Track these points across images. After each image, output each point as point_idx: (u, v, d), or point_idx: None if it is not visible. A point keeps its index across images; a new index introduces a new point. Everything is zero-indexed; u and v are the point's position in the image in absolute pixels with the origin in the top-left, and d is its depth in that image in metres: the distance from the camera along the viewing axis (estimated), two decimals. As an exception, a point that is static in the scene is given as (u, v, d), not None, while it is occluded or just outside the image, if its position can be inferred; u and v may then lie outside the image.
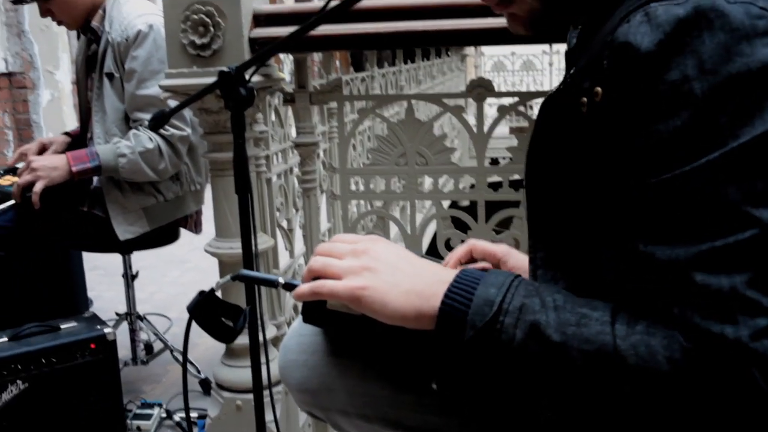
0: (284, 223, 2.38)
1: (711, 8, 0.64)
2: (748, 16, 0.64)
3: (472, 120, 1.88)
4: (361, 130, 3.50)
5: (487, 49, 10.83)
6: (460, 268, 0.82)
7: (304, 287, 0.82)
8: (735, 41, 0.63)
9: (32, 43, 5.28)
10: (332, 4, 1.36)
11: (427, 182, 2.02)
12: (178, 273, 4.24)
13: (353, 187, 2.02)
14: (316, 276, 0.82)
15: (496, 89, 1.98)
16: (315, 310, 0.83)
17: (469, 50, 9.65)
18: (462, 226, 1.94)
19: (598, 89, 0.70)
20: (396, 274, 0.79)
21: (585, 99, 0.71)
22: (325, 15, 1.36)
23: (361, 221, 2.40)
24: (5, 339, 1.95)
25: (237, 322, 0.98)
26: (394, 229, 2.18)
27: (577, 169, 0.74)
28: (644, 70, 0.65)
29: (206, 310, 0.94)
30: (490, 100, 1.94)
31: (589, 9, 0.82)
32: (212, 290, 0.93)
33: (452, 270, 0.80)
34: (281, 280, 0.88)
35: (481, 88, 1.83)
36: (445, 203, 3.62)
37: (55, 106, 5.50)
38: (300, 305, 0.89)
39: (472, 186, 1.89)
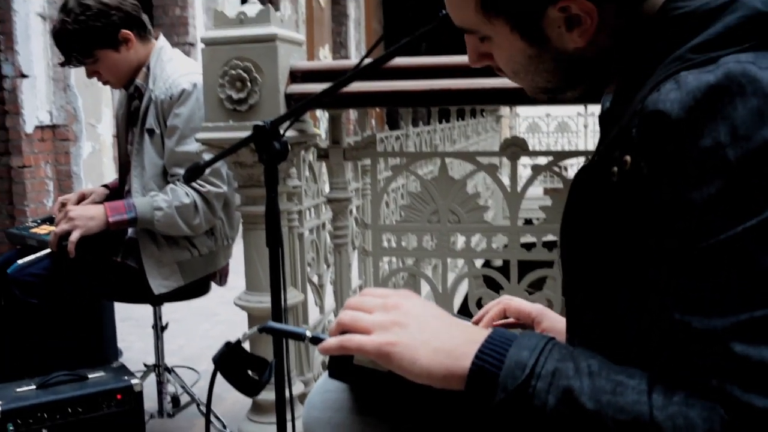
0: (315, 279, 2.37)
1: (742, 74, 0.64)
2: None
3: (506, 180, 1.87)
4: (394, 187, 3.51)
5: (522, 110, 10.90)
6: (492, 328, 0.80)
7: (331, 341, 0.80)
8: None
9: (77, 97, 5.44)
10: (366, 61, 1.38)
11: (460, 240, 2.01)
12: (208, 326, 4.24)
13: (385, 244, 2.02)
14: (344, 330, 0.80)
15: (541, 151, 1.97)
16: (342, 365, 0.81)
17: (504, 111, 9.71)
18: (494, 286, 1.91)
19: (627, 158, 0.69)
20: (426, 331, 0.77)
21: (615, 168, 0.71)
22: (359, 72, 1.38)
23: (393, 278, 2.38)
24: (33, 387, 1.95)
25: (262, 375, 0.97)
26: (425, 287, 2.16)
27: (610, 239, 0.73)
28: (675, 137, 0.64)
29: (232, 362, 0.92)
30: (524, 161, 1.94)
31: (599, 80, 0.84)
32: (238, 341, 0.91)
33: (484, 330, 0.78)
34: (308, 333, 0.86)
35: (515, 147, 1.83)
36: (479, 262, 3.60)
37: (96, 159, 5.63)
38: (327, 360, 0.88)
39: (506, 246, 1.87)
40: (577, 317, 0.81)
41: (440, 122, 5.20)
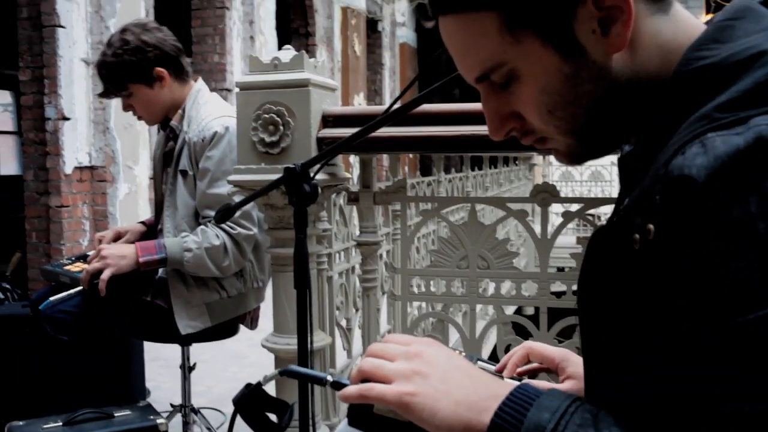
0: (343, 322, 2.36)
1: None
2: None
3: (537, 227, 1.86)
4: (425, 233, 3.51)
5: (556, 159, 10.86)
6: (516, 383, 0.78)
7: (351, 389, 0.78)
8: None
9: (115, 140, 5.56)
10: (394, 107, 1.39)
11: (491, 287, 1.99)
12: (236, 368, 4.24)
13: (414, 289, 2.01)
14: (365, 377, 0.79)
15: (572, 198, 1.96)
16: (362, 414, 0.80)
17: (537, 159, 9.70)
18: (524, 333, 1.89)
19: (651, 227, 0.64)
20: (448, 382, 0.75)
21: (637, 236, 0.66)
22: (388, 117, 1.39)
23: (422, 324, 2.37)
24: (60, 423, 1.96)
25: (282, 418, 0.96)
26: (455, 334, 2.14)
27: (629, 304, 0.69)
28: (702, 206, 0.60)
29: (252, 404, 0.92)
30: (558, 208, 1.93)
31: (626, 140, 0.80)
32: (259, 384, 0.91)
33: (507, 384, 0.76)
34: (330, 377, 0.85)
35: (545, 193, 1.82)
36: (510, 309, 3.55)
37: (131, 200, 5.73)
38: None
39: (536, 293, 1.85)
40: (595, 376, 0.78)
41: (472, 169, 5.21)
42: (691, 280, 0.61)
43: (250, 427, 0.95)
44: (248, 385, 0.92)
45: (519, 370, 1.12)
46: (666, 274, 0.63)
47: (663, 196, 0.63)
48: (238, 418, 0.95)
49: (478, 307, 2.00)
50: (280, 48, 2.07)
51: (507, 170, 7.20)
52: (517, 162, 8.00)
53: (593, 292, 0.76)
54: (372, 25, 12.89)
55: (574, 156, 0.82)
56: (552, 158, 11.03)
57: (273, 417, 0.97)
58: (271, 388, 1.54)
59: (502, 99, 0.80)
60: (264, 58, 1.95)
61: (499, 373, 1.12)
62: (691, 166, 0.61)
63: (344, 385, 0.81)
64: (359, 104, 11.37)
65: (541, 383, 1.04)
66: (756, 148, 0.59)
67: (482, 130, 1.72)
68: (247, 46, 7.95)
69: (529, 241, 5.43)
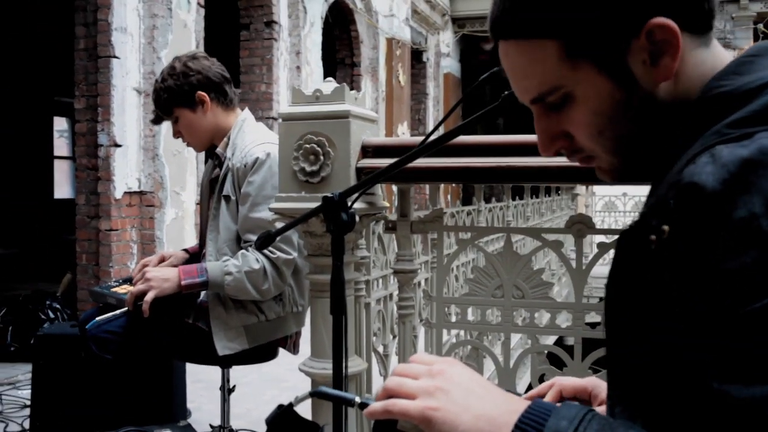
0: (381, 348, 2.39)
1: None
2: None
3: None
4: (465, 261, 3.53)
5: (599, 189, 10.80)
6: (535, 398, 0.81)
7: (376, 405, 0.82)
8: None
9: (164, 166, 5.71)
10: (431, 138, 1.43)
11: (527, 315, 2.01)
12: (276, 391, 4.28)
13: (453, 317, 2.03)
14: (390, 395, 0.83)
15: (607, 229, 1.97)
16: (386, 430, 0.83)
17: (580, 189, 9.64)
18: (558, 363, 1.89)
19: (665, 227, 0.70)
20: (469, 398, 0.79)
21: (654, 236, 0.72)
22: (424, 149, 1.43)
23: (459, 350, 2.38)
24: (103, 442, 2.02)
25: (312, 438, 0.99)
26: (490, 363, 2.15)
27: (650, 306, 0.73)
28: (711, 208, 0.66)
29: (284, 424, 0.95)
30: (599, 238, 1.94)
31: (663, 155, 0.84)
32: (290, 405, 0.95)
33: (525, 400, 0.79)
34: (357, 399, 0.89)
35: (581, 224, 1.83)
36: (551, 339, 3.52)
37: (178, 225, 5.86)
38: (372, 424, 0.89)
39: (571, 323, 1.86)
40: (618, 383, 0.81)
41: (513, 199, 5.22)
42: (703, 275, 0.66)
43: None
44: (280, 406, 0.96)
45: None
46: (680, 270, 0.69)
47: (676, 201, 0.69)
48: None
49: (517, 336, 2.01)
50: (325, 77, 2.13)
51: (549, 200, 7.17)
52: (559, 192, 7.97)
53: (617, 293, 0.80)
54: (417, 56, 13.03)
55: (616, 173, 0.89)
56: (595, 188, 10.95)
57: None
58: (307, 411, 1.58)
59: (553, 119, 0.87)
60: (309, 87, 2.02)
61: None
62: (701, 173, 0.68)
63: None
64: (402, 133, 11.45)
65: None
66: (758, 157, 0.66)
67: (518, 161, 1.75)
68: (294, 75, 8.11)
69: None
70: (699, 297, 0.67)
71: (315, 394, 0.92)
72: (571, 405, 0.75)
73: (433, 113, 13.45)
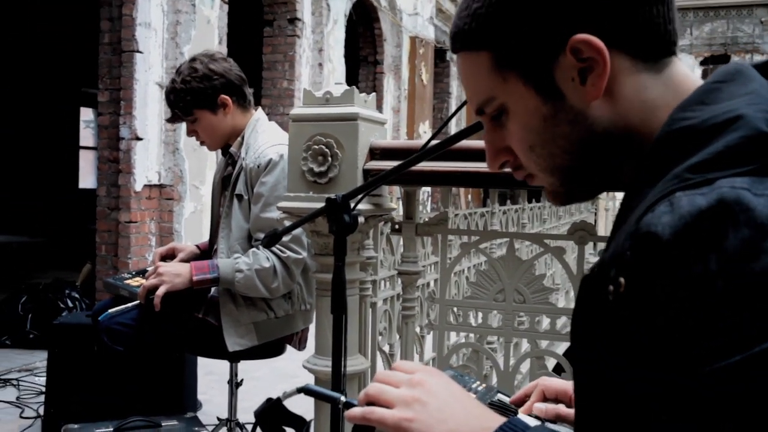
0: (386, 348, 2.42)
1: (736, 201, 0.62)
2: None
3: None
4: (476, 263, 3.54)
5: (619, 193, 10.71)
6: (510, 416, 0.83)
7: (355, 410, 0.85)
8: (760, 238, 0.60)
9: (184, 160, 5.79)
10: (432, 143, 1.46)
11: (545, 322, 2.02)
12: (285, 386, 4.28)
13: (452, 319, 2.06)
14: (370, 401, 0.85)
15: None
16: None
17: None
18: (559, 368, 1.91)
19: (622, 280, 0.67)
20: (445, 411, 0.81)
21: (611, 287, 0.69)
22: (427, 152, 1.46)
23: (462, 351, 2.40)
24: (110, 429, 2.08)
25: (299, 433, 1.03)
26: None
27: (608, 353, 0.71)
28: (666, 261, 0.63)
29: (272, 418, 0.99)
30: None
31: (609, 187, 0.84)
32: (278, 399, 0.98)
33: (500, 418, 0.81)
34: (343, 398, 0.92)
35: (582, 231, 1.85)
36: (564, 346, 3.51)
37: (196, 218, 5.93)
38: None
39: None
40: (584, 419, 0.80)
41: (529, 201, 5.21)
42: (657, 332, 0.64)
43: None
44: (269, 400, 1.00)
45: (537, 406, 1.15)
46: (635, 325, 0.66)
47: (632, 251, 0.66)
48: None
49: (526, 344, 2.03)
50: (348, 75, 2.16)
51: (568, 203, 7.13)
52: (579, 196, 7.92)
53: (581, 334, 0.79)
54: (440, 55, 13.04)
55: (558, 195, 0.88)
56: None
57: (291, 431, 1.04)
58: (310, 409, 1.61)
59: (498, 133, 0.87)
60: (331, 84, 2.05)
61: (515, 405, 1.17)
62: (657, 224, 0.64)
63: (355, 407, 0.88)
64: (424, 132, 11.46)
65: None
66: (717, 209, 0.62)
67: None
68: (316, 73, 8.16)
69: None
70: (653, 353, 0.64)
71: (302, 390, 0.96)
72: (542, 428, 0.77)
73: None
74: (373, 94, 2.12)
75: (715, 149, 0.67)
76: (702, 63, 19.97)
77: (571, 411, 1.05)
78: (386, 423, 0.82)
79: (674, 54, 0.82)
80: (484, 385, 1.23)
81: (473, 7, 0.83)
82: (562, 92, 0.80)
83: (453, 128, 12.78)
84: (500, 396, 1.19)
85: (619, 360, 0.69)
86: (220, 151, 2.61)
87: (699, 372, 0.61)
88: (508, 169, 0.91)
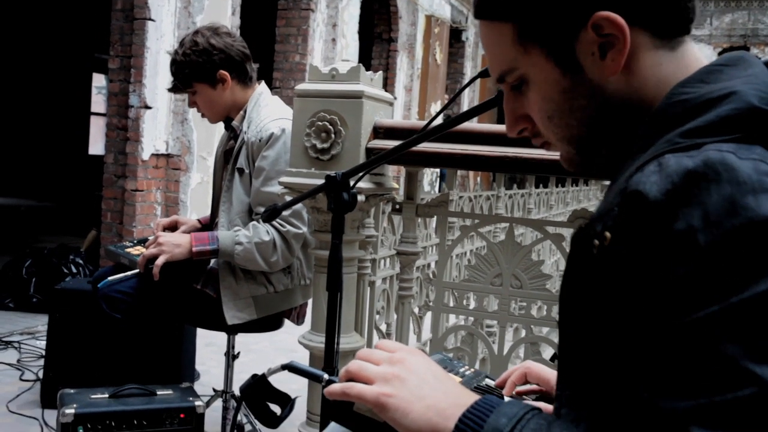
0: (383, 327, 2.43)
1: (720, 162, 0.65)
2: (756, 172, 0.65)
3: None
4: (478, 246, 3.55)
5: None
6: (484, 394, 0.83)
7: (335, 386, 0.86)
8: (741, 195, 0.63)
9: (192, 131, 5.78)
10: (433, 123, 1.45)
11: (533, 307, 2.02)
12: (284, 360, 4.35)
13: (450, 302, 2.06)
14: (350, 378, 0.86)
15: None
16: (343, 411, 0.87)
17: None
18: (555, 357, 1.91)
19: (608, 234, 0.71)
20: (423, 388, 0.82)
21: (596, 242, 0.72)
22: (428, 133, 1.45)
23: (459, 334, 2.41)
24: (106, 395, 2.09)
25: (283, 409, 1.03)
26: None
27: (594, 310, 0.74)
28: (652, 218, 0.66)
29: (257, 394, 1.00)
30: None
31: (622, 156, 0.85)
32: (263, 375, 0.99)
33: (476, 395, 0.82)
34: (326, 376, 0.93)
35: (582, 219, 1.84)
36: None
37: (203, 189, 5.93)
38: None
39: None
40: (567, 384, 0.82)
41: (537, 187, 5.19)
42: (640, 284, 0.67)
43: (253, 415, 1.03)
44: (254, 376, 1.00)
45: (518, 389, 1.17)
46: (619, 278, 0.69)
47: (620, 208, 0.70)
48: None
49: (523, 332, 2.03)
50: (361, 52, 2.15)
51: (576, 189, 7.11)
52: (588, 183, 7.89)
53: (569, 292, 0.81)
54: (455, 35, 12.94)
55: (574, 164, 0.91)
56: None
57: (276, 408, 1.05)
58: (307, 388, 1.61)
59: (518, 101, 0.90)
60: (344, 60, 2.04)
61: (499, 388, 1.18)
62: (646, 182, 0.68)
63: None
64: (435, 112, 11.39)
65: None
66: (703, 170, 0.66)
67: (526, 152, 1.76)
68: (329, 48, 8.12)
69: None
70: (635, 306, 0.68)
71: (286, 367, 0.97)
72: (515, 403, 0.78)
73: (468, 93, 13.37)
74: (380, 72, 2.10)
75: (706, 119, 0.72)
76: (720, 54, 19.74)
77: (549, 406, 1.06)
78: (365, 398, 0.83)
79: (689, 32, 0.84)
80: (472, 369, 1.23)
81: None
82: (581, 66, 0.82)
83: (465, 108, 12.71)
84: (488, 381, 1.20)
85: (603, 312, 0.72)
86: (223, 124, 2.60)
87: (679, 322, 0.64)
88: (526, 135, 0.93)
